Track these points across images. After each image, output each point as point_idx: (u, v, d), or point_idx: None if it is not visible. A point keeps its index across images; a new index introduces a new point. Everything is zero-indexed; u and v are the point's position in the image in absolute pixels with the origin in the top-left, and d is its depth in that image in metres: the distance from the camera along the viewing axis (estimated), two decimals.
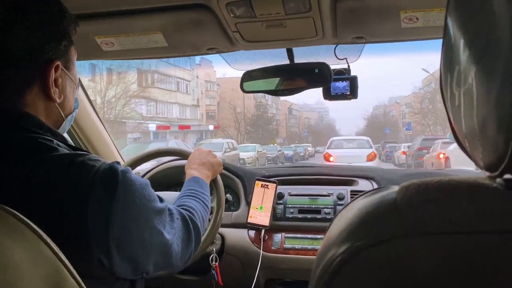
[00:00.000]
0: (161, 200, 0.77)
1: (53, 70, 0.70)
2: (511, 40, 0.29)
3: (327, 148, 13.92)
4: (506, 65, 0.30)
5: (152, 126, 24.23)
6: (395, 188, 0.38)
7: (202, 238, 1.24)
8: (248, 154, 18.35)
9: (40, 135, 0.67)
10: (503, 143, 0.31)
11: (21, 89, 0.68)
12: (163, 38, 1.11)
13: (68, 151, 0.67)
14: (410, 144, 18.35)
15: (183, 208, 0.90)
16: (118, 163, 0.68)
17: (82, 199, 0.61)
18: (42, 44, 0.69)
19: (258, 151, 19.67)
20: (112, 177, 0.64)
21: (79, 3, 0.96)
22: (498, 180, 0.35)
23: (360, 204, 0.39)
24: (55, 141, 0.68)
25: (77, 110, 0.82)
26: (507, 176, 0.34)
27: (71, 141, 1.79)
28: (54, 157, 0.64)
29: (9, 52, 0.65)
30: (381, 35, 1.13)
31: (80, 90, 1.55)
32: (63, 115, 0.76)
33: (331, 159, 12.73)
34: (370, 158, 12.73)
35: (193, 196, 1.00)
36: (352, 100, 1.36)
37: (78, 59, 1.42)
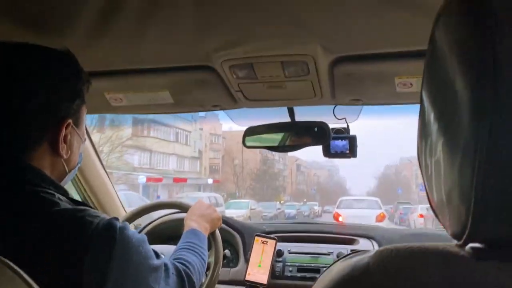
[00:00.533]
0: (157, 256, 0.77)
1: (64, 128, 0.73)
2: (469, 123, 0.31)
3: (337, 208, 14.07)
4: (465, 143, 0.32)
5: (142, 178, 22.09)
6: (371, 252, 0.39)
7: None
8: (238, 212, 15.90)
9: (43, 189, 0.68)
10: (465, 214, 0.32)
11: (32, 144, 0.70)
12: (169, 96, 1.17)
13: (69, 206, 0.68)
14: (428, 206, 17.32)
15: (179, 262, 0.90)
16: (116, 219, 0.69)
17: (79, 255, 0.62)
18: (58, 103, 0.72)
19: (251, 209, 17.63)
20: (110, 234, 0.65)
21: (91, 61, 1.03)
22: (467, 248, 0.36)
23: (338, 267, 0.41)
24: (56, 195, 0.69)
25: (80, 165, 0.84)
26: (475, 244, 0.35)
27: (74, 194, 1.82)
28: (55, 212, 0.66)
29: (26, 108, 0.69)
30: (377, 98, 1.18)
31: (87, 140, 1.60)
32: (67, 169, 0.78)
33: (340, 218, 12.87)
34: (379, 219, 12.76)
35: (190, 249, 1.00)
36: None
37: (87, 113, 1.50)
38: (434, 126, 0.38)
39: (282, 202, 27.89)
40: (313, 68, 0.99)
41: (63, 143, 0.73)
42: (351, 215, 12.40)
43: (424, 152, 0.41)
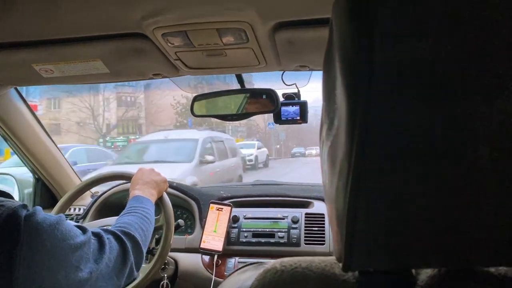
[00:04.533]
0: (83, 230, 0.75)
1: None
2: (345, 136, 0.28)
3: None
4: (342, 159, 0.29)
5: None
6: (261, 270, 0.37)
7: (154, 259, 1.22)
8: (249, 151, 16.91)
9: None
10: (340, 241, 0.30)
11: None
12: (103, 65, 1.08)
13: None
14: None
15: (115, 227, 0.89)
16: (24, 206, 0.65)
17: None
18: None
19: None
20: (13, 224, 0.62)
21: (14, 31, 0.93)
22: (354, 273, 0.34)
23: (229, 283, 0.38)
24: None
25: None
26: (362, 268, 0.33)
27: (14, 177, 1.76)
28: None
29: None
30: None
31: (29, 115, 1.51)
32: None
33: None
34: None
35: (129, 213, 0.99)
36: None
37: (19, 85, 1.40)
38: (323, 131, 0.34)
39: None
40: (252, 36, 0.93)
41: None
42: None
43: (321, 156, 0.38)
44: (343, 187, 0.28)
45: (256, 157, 17.03)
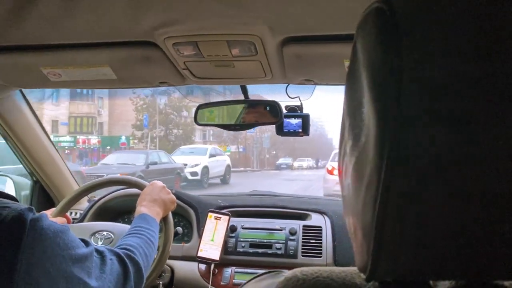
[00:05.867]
0: (86, 244, 0.74)
1: None
2: (374, 151, 0.29)
3: (331, 161, 12.52)
4: (370, 173, 0.30)
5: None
6: (281, 277, 0.38)
7: (151, 268, 1.21)
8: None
9: None
10: (366, 253, 0.31)
11: None
12: (111, 71, 1.10)
13: None
14: None
15: (120, 248, 0.88)
16: (31, 209, 0.65)
17: None
18: None
19: None
20: (19, 226, 0.62)
21: (25, 34, 0.95)
22: (374, 282, 0.35)
23: None
24: None
25: None
26: (386, 278, 0.34)
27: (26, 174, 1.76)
28: None
29: None
30: (328, 79, 1.16)
31: (32, 117, 1.52)
32: None
33: (334, 172, 11.16)
34: None
35: (135, 234, 0.98)
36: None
37: (26, 87, 1.40)
38: (348, 145, 0.36)
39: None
40: (261, 49, 0.95)
41: None
42: None
43: (342, 169, 0.39)
44: (371, 200, 0.29)
45: (206, 169, 12.49)
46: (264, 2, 0.77)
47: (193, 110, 1.32)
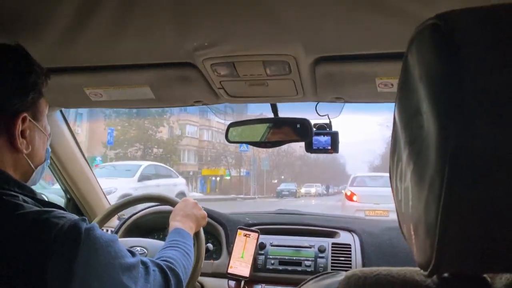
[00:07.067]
0: (133, 254, 0.77)
1: (19, 122, 0.72)
2: (436, 155, 0.32)
3: (350, 186, 11.15)
4: (431, 178, 0.32)
5: None
6: (341, 276, 0.40)
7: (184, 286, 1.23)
8: None
9: (5, 191, 0.68)
10: (429, 248, 0.33)
11: None
12: (150, 91, 1.15)
13: (34, 208, 0.67)
14: None
15: (161, 260, 0.90)
16: (84, 219, 0.68)
17: (42, 258, 0.62)
18: (8, 97, 0.71)
19: None
20: (75, 235, 0.65)
21: (73, 56, 1.01)
22: (434, 278, 0.37)
23: None
24: (20, 196, 0.68)
25: (48, 161, 0.84)
26: (445, 274, 0.36)
27: (59, 190, 1.82)
28: (18, 215, 0.65)
29: None
30: (359, 97, 1.18)
31: (70, 137, 1.58)
32: (32, 166, 0.77)
33: (354, 198, 10.19)
34: None
35: (173, 247, 1.00)
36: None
37: (67, 107, 1.48)
38: (404, 152, 0.38)
39: None
40: (294, 68, 0.99)
41: (21, 138, 0.73)
42: (367, 194, 9.98)
43: (395, 175, 0.41)
44: (435, 200, 0.32)
45: None
46: (300, 21, 0.81)
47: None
